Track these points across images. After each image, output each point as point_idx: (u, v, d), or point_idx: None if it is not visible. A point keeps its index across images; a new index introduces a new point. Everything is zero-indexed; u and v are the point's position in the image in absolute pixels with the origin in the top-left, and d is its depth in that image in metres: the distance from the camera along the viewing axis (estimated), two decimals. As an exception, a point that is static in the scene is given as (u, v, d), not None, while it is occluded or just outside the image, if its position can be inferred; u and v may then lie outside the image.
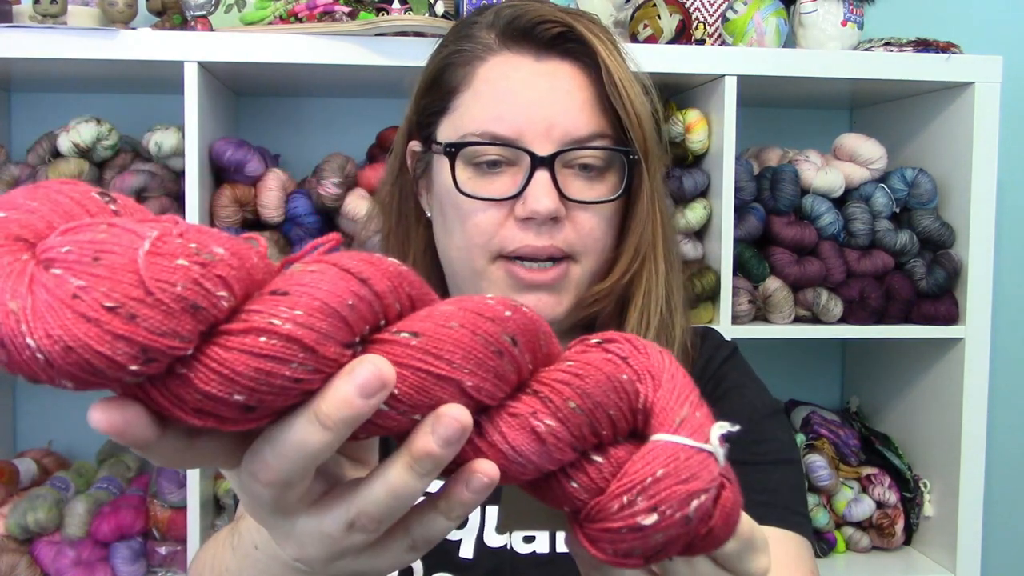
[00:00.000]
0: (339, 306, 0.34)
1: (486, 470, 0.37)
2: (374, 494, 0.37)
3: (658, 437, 0.39)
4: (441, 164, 0.80)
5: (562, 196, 0.77)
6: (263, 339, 0.32)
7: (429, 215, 0.86)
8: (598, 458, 0.39)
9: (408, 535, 0.40)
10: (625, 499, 0.38)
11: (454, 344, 0.36)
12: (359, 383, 0.33)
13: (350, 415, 0.34)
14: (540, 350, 0.39)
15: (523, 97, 0.77)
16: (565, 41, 0.79)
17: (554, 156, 0.77)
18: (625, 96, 0.78)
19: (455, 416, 0.35)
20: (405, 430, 0.36)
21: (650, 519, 0.37)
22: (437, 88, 0.83)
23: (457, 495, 0.37)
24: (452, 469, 0.38)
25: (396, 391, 0.35)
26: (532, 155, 0.76)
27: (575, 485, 0.39)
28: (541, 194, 0.76)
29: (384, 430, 0.36)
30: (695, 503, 0.37)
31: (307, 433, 0.34)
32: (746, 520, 0.44)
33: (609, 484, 0.39)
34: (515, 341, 0.38)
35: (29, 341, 0.29)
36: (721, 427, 0.39)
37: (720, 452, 0.39)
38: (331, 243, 0.38)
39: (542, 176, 0.76)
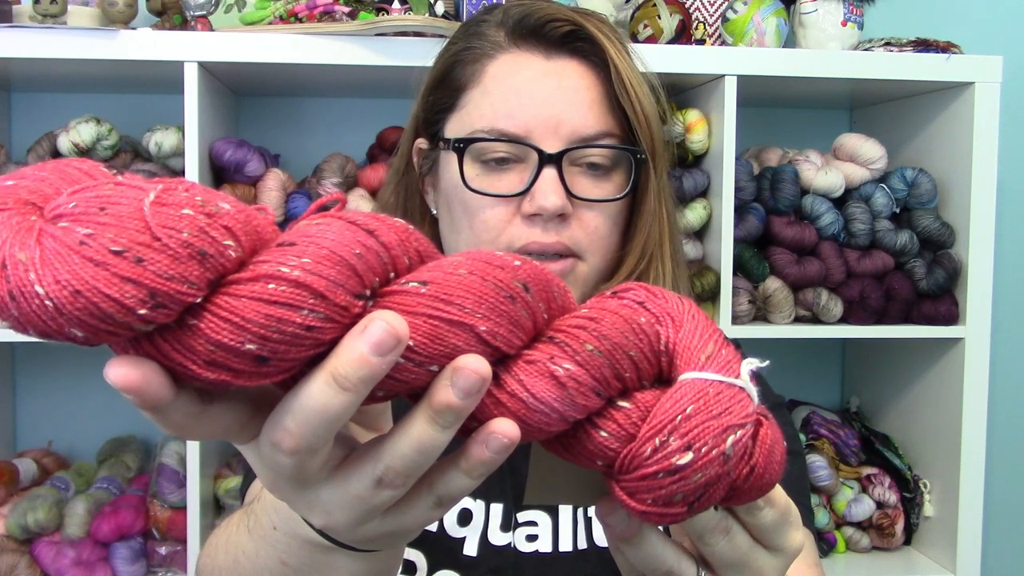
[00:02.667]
0: (347, 255, 0.33)
1: (504, 430, 0.36)
2: (399, 449, 0.37)
3: (685, 376, 0.38)
4: (448, 161, 0.81)
5: (569, 194, 0.77)
6: (272, 285, 0.32)
7: (435, 213, 0.86)
8: (625, 404, 0.38)
9: (432, 492, 0.39)
10: (657, 441, 0.37)
11: (464, 289, 0.35)
12: (373, 341, 0.33)
13: (367, 374, 0.34)
14: (554, 300, 0.39)
15: (532, 95, 0.78)
16: (574, 40, 0.80)
17: (562, 154, 0.77)
18: (633, 96, 0.78)
19: (473, 367, 0.35)
20: (424, 384, 0.36)
21: (685, 458, 0.36)
22: (446, 85, 0.83)
23: (477, 455, 0.37)
24: (472, 426, 0.37)
25: (410, 342, 0.35)
26: (540, 152, 0.77)
27: (604, 434, 0.38)
28: (548, 191, 0.76)
29: (403, 385, 0.36)
30: (731, 438, 0.36)
31: (326, 396, 0.34)
32: (782, 492, 0.44)
33: (639, 429, 0.38)
34: (527, 287, 0.37)
35: (38, 289, 0.29)
36: (751, 363, 0.39)
37: (753, 388, 0.38)
38: (336, 204, 0.38)
39: (549, 173, 0.77)
